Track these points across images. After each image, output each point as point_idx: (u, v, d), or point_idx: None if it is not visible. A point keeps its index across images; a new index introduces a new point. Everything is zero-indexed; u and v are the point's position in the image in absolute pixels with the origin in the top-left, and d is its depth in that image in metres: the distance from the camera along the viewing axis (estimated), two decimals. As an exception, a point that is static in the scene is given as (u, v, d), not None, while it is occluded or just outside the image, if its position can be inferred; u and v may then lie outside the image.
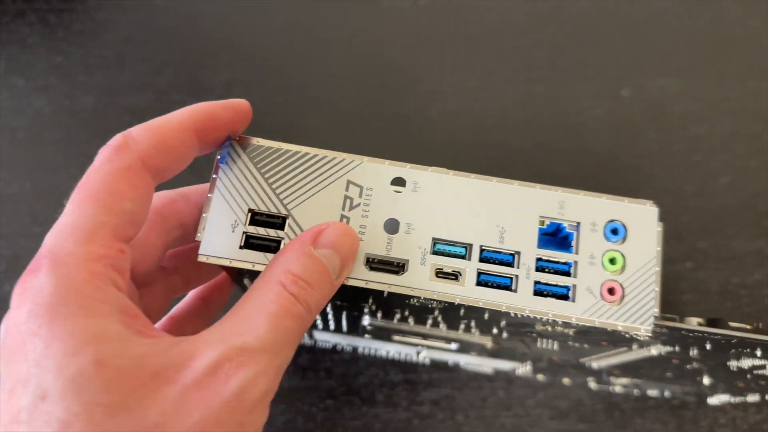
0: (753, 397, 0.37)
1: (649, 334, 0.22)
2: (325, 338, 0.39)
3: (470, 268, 0.22)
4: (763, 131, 0.50)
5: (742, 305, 0.45)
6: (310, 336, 0.39)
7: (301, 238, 0.21)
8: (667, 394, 0.41)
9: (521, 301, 0.22)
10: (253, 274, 0.22)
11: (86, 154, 0.22)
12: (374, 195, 0.23)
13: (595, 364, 0.33)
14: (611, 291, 0.22)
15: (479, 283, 0.22)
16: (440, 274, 0.22)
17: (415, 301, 0.24)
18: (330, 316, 0.31)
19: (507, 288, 0.22)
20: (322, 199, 0.22)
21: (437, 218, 0.23)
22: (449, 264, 0.22)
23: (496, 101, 0.50)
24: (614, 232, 0.23)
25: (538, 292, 0.22)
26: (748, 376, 0.31)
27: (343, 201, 0.22)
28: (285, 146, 0.23)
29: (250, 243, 0.22)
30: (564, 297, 0.22)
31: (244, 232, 0.22)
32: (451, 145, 0.48)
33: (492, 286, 0.22)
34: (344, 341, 0.39)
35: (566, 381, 0.41)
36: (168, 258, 0.25)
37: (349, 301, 0.26)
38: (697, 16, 0.55)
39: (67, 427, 0.15)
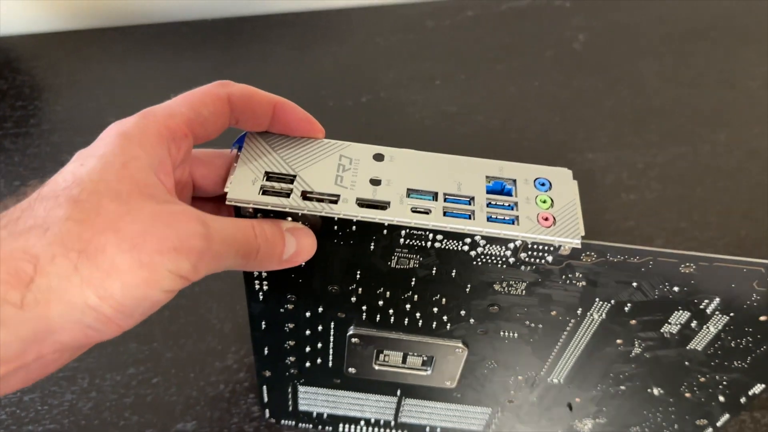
0: (723, 418, 0.40)
1: (579, 246, 0.28)
2: (306, 405, 0.41)
3: (437, 206, 0.28)
4: (688, 193, 0.56)
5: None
6: (295, 406, 0.41)
7: (282, 221, 0.28)
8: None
9: (478, 226, 0.28)
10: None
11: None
12: (360, 163, 0.29)
13: (556, 380, 0.37)
14: (546, 218, 0.28)
15: (445, 215, 0.28)
16: (415, 210, 0.28)
17: (395, 261, 0.30)
18: (320, 328, 0.35)
19: (467, 219, 0.28)
20: (322, 166, 0.29)
21: (409, 178, 0.29)
22: (422, 204, 0.28)
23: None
24: (542, 184, 0.29)
25: (490, 220, 0.28)
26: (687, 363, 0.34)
27: (337, 166, 0.29)
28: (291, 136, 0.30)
29: (266, 192, 0.28)
30: (510, 224, 0.28)
31: (261, 186, 0.28)
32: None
33: (455, 217, 0.28)
34: (326, 407, 0.41)
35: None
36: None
37: (339, 275, 0.31)
38: (617, 92, 0.61)
39: (81, 183, 0.23)
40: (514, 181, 0.29)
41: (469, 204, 0.29)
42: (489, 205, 0.29)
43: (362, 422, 0.42)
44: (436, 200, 0.28)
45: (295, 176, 0.28)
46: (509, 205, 0.29)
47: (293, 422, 0.43)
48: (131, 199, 0.23)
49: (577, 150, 0.58)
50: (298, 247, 0.28)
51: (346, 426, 0.43)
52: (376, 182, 0.29)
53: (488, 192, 0.29)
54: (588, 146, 0.58)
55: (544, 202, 0.29)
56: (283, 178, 0.28)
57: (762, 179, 0.57)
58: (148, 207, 0.23)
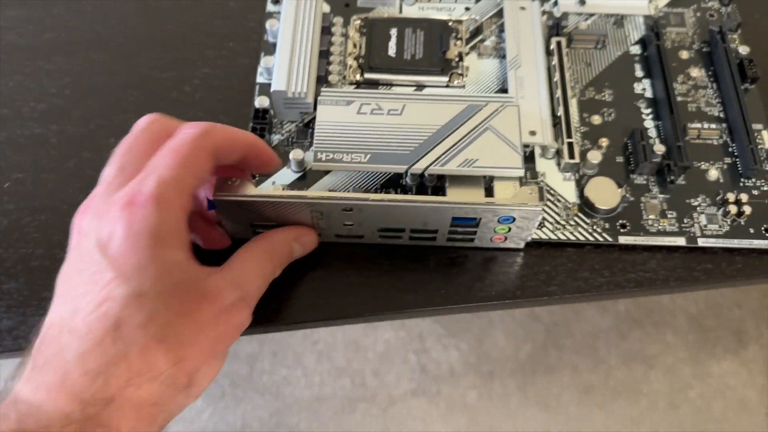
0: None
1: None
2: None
3: (405, 236, 0.34)
4: None
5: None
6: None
7: (289, 233, 0.32)
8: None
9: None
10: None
11: None
12: (332, 215, 0.32)
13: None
14: (499, 238, 0.34)
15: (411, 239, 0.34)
16: (382, 237, 0.34)
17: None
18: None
19: (431, 240, 0.34)
20: (297, 217, 0.32)
21: (379, 220, 0.32)
22: (391, 235, 0.34)
23: None
24: (507, 219, 0.32)
25: (450, 240, 0.34)
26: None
27: (311, 217, 0.32)
28: (256, 197, 0.30)
29: (258, 232, 0.33)
30: (469, 241, 0.34)
31: (252, 229, 0.33)
32: None
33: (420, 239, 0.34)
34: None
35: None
36: None
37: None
38: None
39: (154, 317, 0.24)
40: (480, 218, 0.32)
41: (434, 234, 0.33)
42: (450, 233, 0.33)
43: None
44: (402, 235, 0.34)
45: (277, 225, 0.32)
46: (470, 233, 0.33)
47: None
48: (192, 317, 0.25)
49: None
50: (303, 250, 0.33)
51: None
52: (348, 224, 0.33)
53: (452, 224, 0.32)
54: None
55: (503, 229, 0.33)
56: (267, 226, 0.32)
57: None
58: (206, 322, 0.26)
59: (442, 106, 0.34)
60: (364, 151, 0.32)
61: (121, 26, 0.43)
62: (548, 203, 0.36)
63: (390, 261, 0.35)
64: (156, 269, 0.24)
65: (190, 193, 0.26)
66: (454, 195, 0.33)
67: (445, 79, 0.38)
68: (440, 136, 0.33)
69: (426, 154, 0.32)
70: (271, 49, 0.39)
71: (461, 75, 0.38)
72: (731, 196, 0.35)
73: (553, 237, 0.35)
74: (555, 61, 0.38)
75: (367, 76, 0.38)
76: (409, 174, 0.35)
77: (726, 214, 0.35)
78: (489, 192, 0.33)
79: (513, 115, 0.33)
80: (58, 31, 0.42)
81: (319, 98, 0.34)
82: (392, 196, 0.31)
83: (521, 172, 0.32)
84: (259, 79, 0.39)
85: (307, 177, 0.36)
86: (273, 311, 0.34)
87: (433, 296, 0.34)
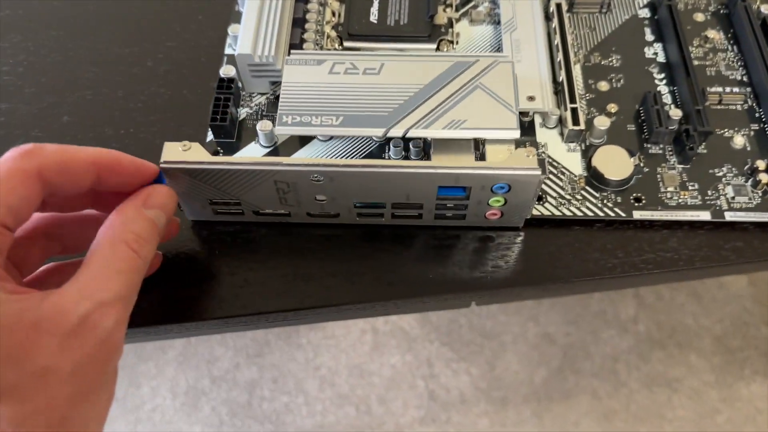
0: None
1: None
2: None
3: (386, 214, 0.30)
4: None
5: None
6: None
7: (134, 202, 0.25)
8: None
9: (425, 223, 0.30)
10: None
11: None
12: (300, 187, 0.27)
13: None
14: (494, 214, 0.29)
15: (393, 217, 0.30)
16: (360, 215, 0.30)
17: None
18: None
19: (416, 218, 0.30)
20: (261, 191, 0.28)
21: (355, 192, 0.28)
22: (370, 212, 0.29)
23: None
24: (501, 188, 0.27)
25: (438, 216, 0.30)
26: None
27: (276, 190, 0.28)
28: (208, 165, 0.26)
29: (219, 212, 0.30)
30: (460, 218, 0.29)
31: (212, 208, 0.29)
32: None
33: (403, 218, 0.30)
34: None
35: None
36: (51, 226, 0.27)
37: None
38: None
39: None
40: (470, 187, 0.27)
41: (420, 208, 0.29)
42: (438, 204, 0.28)
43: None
44: (383, 209, 0.29)
45: (239, 202, 0.29)
46: (460, 207, 0.29)
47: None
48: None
49: None
50: (165, 211, 0.26)
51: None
52: (320, 200, 0.28)
53: (439, 196, 0.28)
54: None
55: (498, 201, 0.28)
56: (229, 203, 0.29)
57: None
58: (51, 357, 0.21)
59: (426, 65, 0.30)
60: (335, 114, 0.29)
61: (81, 2, 0.40)
62: (551, 176, 0.31)
63: (370, 243, 0.31)
64: None
65: None
66: (439, 160, 0.29)
67: (433, 46, 0.34)
68: (423, 96, 0.29)
69: (407, 115, 0.28)
70: (240, 18, 0.35)
71: (451, 42, 0.35)
72: (761, 164, 0.31)
73: (557, 213, 0.30)
74: (555, 23, 0.34)
75: (347, 44, 0.34)
76: (392, 146, 0.31)
77: (756, 184, 0.31)
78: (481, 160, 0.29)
79: (507, 73, 0.29)
80: (15, 8, 0.40)
81: (286, 59, 0.30)
82: (366, 161, 0.27)
83: (516, 134, 0.28)
84: (227, 51, 0.36)
85: (279, 152, 0.32)
86: (234, 300, 0.29)
87: (419, 283, 0.30)
